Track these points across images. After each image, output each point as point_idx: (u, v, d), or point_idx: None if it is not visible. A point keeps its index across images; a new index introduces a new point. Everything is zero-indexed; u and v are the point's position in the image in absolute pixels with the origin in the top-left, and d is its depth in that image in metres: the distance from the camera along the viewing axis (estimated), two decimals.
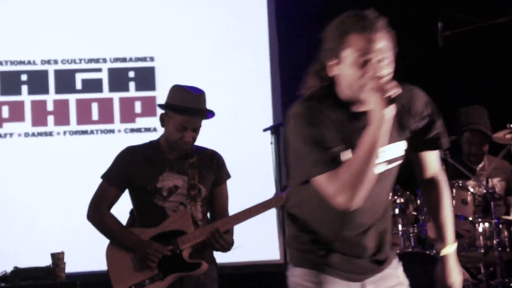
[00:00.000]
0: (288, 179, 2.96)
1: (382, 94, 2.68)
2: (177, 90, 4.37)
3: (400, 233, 5.62)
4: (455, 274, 3.07)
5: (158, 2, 6.67)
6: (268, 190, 6.14)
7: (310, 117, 2.76)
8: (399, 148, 2.91)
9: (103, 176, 4.39)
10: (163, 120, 4.38)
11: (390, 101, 2.69)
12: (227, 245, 4.33)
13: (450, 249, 3.07)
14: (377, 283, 2.95)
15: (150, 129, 6.58)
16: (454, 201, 5.44)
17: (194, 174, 4.38)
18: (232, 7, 6.73)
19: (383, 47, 2.76)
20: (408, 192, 5.67)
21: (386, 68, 2.76)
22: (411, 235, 5.63)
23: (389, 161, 2.87)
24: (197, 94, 4.34)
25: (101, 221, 4.35)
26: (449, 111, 5.04)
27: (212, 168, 4.45)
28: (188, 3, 6.70)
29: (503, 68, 6.80)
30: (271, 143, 5.93)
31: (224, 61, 6.67)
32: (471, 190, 5.66)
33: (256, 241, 6.10)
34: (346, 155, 2.74)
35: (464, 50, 6.90)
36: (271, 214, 6.30)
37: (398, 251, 5.32)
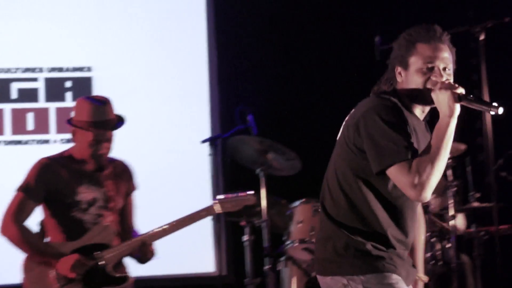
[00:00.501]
0: (327, 184, 3.10)
1: (451, 92, 2.92)
2: (83, 105, 4.29)
3: None
4: None
5: (96, 12, 6.61)
6: (204, 201, 6.12)
7: (394, 110, 2.98)
8: None
9: (20, 189, 4.28)
10: (74, 135, 4.30)
11: (458, 98, 2.93)
12: (152, 257, 4.30)
13: (424, 279, 3.36)
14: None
15: None
16: None
17: (111, 185, 4.34)
18: (170, 17, 6.70)
19: (447, 58, 3.03)
20: None
21: (448, 77, 3.02)
22: None
23: None
24: (102, 106, 4.28)
25: (19, 235, 4.20)
26: None
27: (125, 179, 4.42)
28: (126, 13, 6.65)
29: None
30: (209, 154, 5.91)
31: (162, 72, 6.64)
32: None
33: (190, 253, 6.06)
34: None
35: None
36: (206, 226, 6.28)
37: None
